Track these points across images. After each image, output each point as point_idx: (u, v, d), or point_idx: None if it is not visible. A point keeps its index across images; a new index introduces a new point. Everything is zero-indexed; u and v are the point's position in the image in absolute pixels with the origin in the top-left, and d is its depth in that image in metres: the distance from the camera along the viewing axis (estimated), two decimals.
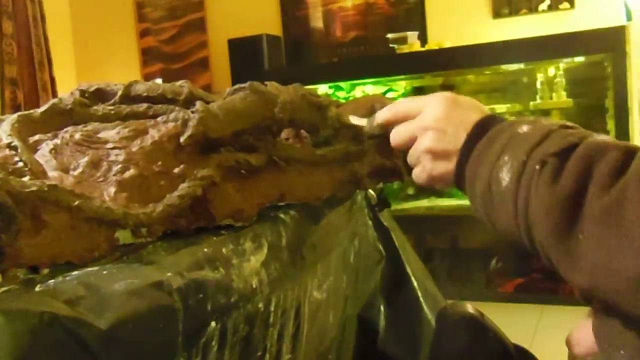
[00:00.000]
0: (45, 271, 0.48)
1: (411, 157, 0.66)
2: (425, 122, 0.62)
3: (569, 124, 0.54)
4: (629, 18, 2.73)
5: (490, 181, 0.54)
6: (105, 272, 0.48)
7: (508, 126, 0.56)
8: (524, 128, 0.54)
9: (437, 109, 0.62)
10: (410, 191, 3.16)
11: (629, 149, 0.46)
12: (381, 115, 0.71)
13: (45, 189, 0.49)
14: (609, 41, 2.58)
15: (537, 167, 0.49)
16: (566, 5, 3.12)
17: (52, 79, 3.74)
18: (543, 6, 3.16)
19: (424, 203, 3.10)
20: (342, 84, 3.28)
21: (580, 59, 2.87)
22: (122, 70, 4.15)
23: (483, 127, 0.58)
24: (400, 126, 0.66)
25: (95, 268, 0.49)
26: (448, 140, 0.60)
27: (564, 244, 0.47)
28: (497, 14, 3.24)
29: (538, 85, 2.98)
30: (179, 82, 0.74)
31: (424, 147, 0.62)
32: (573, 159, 0.48)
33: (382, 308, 0.99)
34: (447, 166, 0.60)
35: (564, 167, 0.48)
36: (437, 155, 0.61)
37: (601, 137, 0.50)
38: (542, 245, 0.50)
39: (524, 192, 0.50)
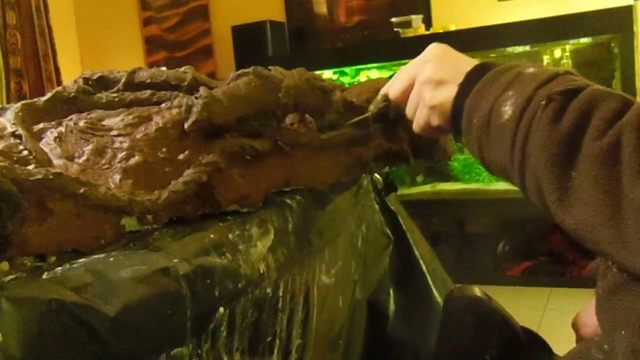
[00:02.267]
0: (52, 259, 0.48)
1: (410, 101, 0.67)
2: (423, 58, 0.65)
3: (574, 71, 0.56)
4: None
5: (490, 114, 0.55)
6: (111, 259, 0.48)
7: (513, 67, 0.57)
8: (530, 69, 0.55)
9: (434, 49, 0.65)
10: (419, 179, 3.15)
11: (627, 100, 0.49)
12: (385, 87, 0.73)
13: (51, 177, 0.49)
14: (616, 22, 2.54)
15: (543, 102, 0.50)
16: None
17: (57, 69, 3.74)
18: None
19: (430, 187, 3.09)
20: (346, 69, 3.27)
21: (587, 40, 2.84)
22: (126, 59, 4.14)
23: (486, 66, 0.60)
24: (399, 74, 0.69)
25: (102, 255, 0.49)
26: (446, 69, 0.62)
27: (557, 178, 0.49)
28: None
29: None
30: (183, 68, 0.74)
31: (424, 77, 0.64)
32: (577, 101, 0.49)
33: (391, 292, 0.98)
34: (446, 93, 0.61)
35: (567, 107, 0.49)
36: (436, 83, 0.62)
37: (603, 87, 0.52)
38: (535, 176, 0.51)
39: (525, 126, 0.51)
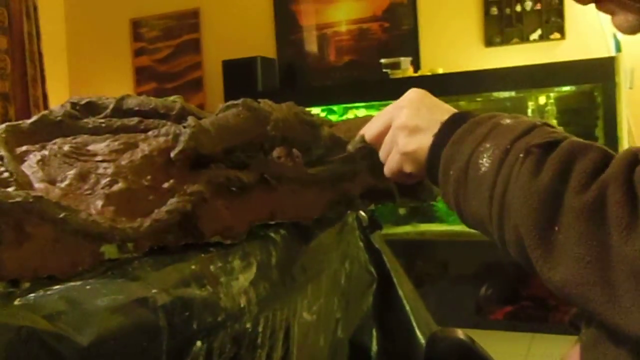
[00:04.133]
0: (26, 285, 0.47)
1: (384, 145, 0.66)
2: (400, 103, 0.64)
3: (550, 124, 0.55)
4: (618, 49, 2.77)
5: (467, 166, 0.54)
6: (88, 287, 0.47)
7: (489, 117, 0.56)
8: (507, 120, 0.55)
9: (411, 94, 0.64)
10: (402, 211, 3.15)
11: (607, 152, 0.48)
12: (363, 129, 0.72)
13: (31, 200, 0.47)
14: (599, 71, 2.61)
15: (521, 155, 0.50)
16: (557, 35, 3.16)
17: (45, 95, 3.74)
18: (534, 36, 3.21)
19: (414, 228, 3.09)
20: (334, 108, 3.30)
21: (571, 88, 2.91)
22: (115, 88, 4.15)
23: (462, 116, 0.59)
24: (375, 118, 0.68)
25: (78, 283, 0.47)
26: (422, 117, 0.61)
27: (540, 233, 0.47)
28: (489, 42, 3.28)
29: (529, 113, 3.01)
30: (172, 97, 0.74)
31: (399, 122, 0.63)
32: (556, 153, 0.48)
33: (373, 332, 0.97)
34: (420, 142, 0.60)
35: (546, 160, 0.48)
36: (410, 130, 0.61)
37: (582, 140, 0.51)
38: (516, 230, 0.49)
39: (503, 179, 0.50)
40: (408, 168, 0.63)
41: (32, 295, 0.44)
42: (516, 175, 0.49)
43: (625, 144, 2.65)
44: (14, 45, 3.63)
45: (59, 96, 3.95)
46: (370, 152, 0.74)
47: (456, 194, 0.56)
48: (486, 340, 0.91)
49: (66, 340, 0.40)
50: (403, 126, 0.62)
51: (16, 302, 0.42)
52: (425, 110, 0.62)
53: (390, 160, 0.65)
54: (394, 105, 0.66)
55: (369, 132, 0.69)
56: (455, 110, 0.62)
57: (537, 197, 0.47)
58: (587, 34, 3.04)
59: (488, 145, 0.53)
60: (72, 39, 4.36)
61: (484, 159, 0.52)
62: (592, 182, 0.45)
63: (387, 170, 0.66)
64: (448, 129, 0.58)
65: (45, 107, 3.70)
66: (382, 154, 0.67)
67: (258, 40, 3.79)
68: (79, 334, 0.41)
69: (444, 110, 0.62)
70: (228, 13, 3.91)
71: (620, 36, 2.75)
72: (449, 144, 0.57)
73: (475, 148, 0.54)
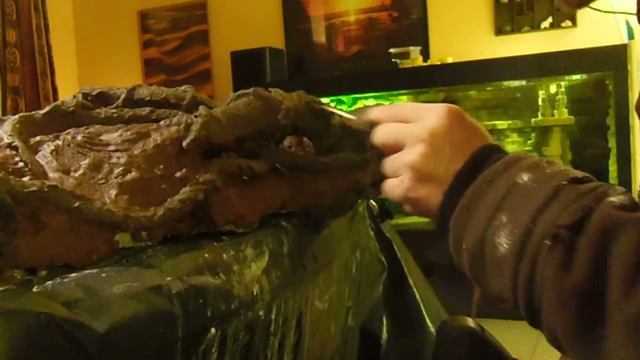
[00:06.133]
0: (43, 273, 0.47)
1: (389, 165, 0.56)
2: (421, 132, 0.52)
3: (578, 173, 0.45)
4: (631, 36, 2.74)
5: (483, 243, 0.45)
6: (104, 274, 0.47)
7: (505, 168, 0.46)
8: (524, 177, 0.45)
9: (439, 121, 0.52)
10: None
11: None
12: (376, 112, 0.60)
13: (45, 189, 0.48)
14: (611, 59, 2.59)
15: (548, 242, 0.41)
16: (568, 23, 3.13)
17: (54, 88, 3.76)
18: (545, 24, 3.18)
19: (424, 217, 3.09)
20: (344, 98, 3.29)
21: (582, 76, 2.88)
22: (124, 80, 4.16)
23: (477, 164, 0.49)
24: (391, 125, 0.56)
25: (94, 271, 0.48)
26: (439, 162, 0.50)
27: (585, 339, 0.40)
28: (499, 30, 3.26)
29: (540, 102, 2.99)
30: (183, 87, 0.74)
31: (410, 160, 0.52)
32: (588, 236, 0.40)
33: (384, 320, 0.97)
34: (427, 193, 0.51)
35: (577, 247, 0.40)
36: (421, 175, 0.51)
37: (618, 199, 0.42)
38: (554, 334, 0.43)
39: (526, 268, 0.42)
40: (408, 209, 0.55)
41: (50, 282, 0.44)
42: (543, 267, 0.41)
43: (637, 134, 2.63)
44: (23, 38, 3.64)
45: (68, 89, 3.97)
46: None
47: (473, 268, 0.48)
48: (495, 329, 0.91)
49: (83, 327, 0.41)
50: (414, 168, 0.52)
51: (34, 290, 0.43)
52: (447, 151, 0.50)
53: (390, 189, 0.55)
54: (413, 126, 0.53)
55: (377, 136, 0.58)
56: (478, 148, 0.50)
57: (575, 300, 0.39)
58: (599, 21, 3.01)
59: (505, 220, 0.44)
60: (80, 32, 4.38)
61: (502, 238, 0.44)
62: (637, 276, 0.37)
63: (386, 194, 0.57)
64: (458, 186, 0.48)
65: (55, 99, 3.72)
66: (386, 171, 0.57)
67: (266, 31, 3.78)
68: (96, 321, 0.42)
69: (469, 148, 0.50)
70: (236, 4, 3.90)
71: (633, 23, 2.72)
72: (458, 209, 0.48)
73: (490, 220, 0.45)
